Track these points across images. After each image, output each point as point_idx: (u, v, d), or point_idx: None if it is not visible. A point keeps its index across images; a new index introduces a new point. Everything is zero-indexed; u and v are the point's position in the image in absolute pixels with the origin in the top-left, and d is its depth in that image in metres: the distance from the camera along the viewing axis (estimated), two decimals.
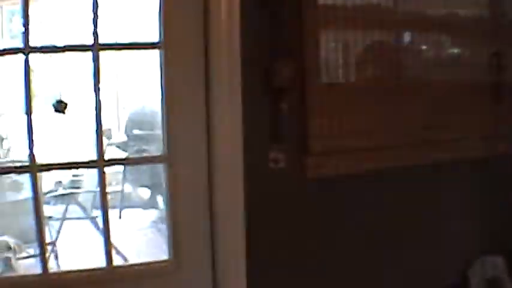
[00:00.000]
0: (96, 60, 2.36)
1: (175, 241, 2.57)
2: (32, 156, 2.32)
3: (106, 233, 2.49)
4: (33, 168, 2.35)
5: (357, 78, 2.80)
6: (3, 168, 2.79)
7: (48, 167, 2.38)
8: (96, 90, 2.36)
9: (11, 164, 5.16)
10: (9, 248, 4.69)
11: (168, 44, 2.42)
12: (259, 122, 2.51)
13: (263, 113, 2.51)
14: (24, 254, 5.09)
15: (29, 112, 2.29)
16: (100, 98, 2.37)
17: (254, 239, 2.55)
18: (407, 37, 2.97)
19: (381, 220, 2.83)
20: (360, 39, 2.78)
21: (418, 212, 2.93)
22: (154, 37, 2.45)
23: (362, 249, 2.81)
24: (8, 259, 4.63)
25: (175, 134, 2.47)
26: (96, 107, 2.39)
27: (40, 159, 2.36)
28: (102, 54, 2.36)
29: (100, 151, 2.39)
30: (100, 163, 2.40)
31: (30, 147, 2.32)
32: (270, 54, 2.50)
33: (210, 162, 2.52)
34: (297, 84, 2.56)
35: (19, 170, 2.64)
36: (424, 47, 3.01)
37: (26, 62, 2.28)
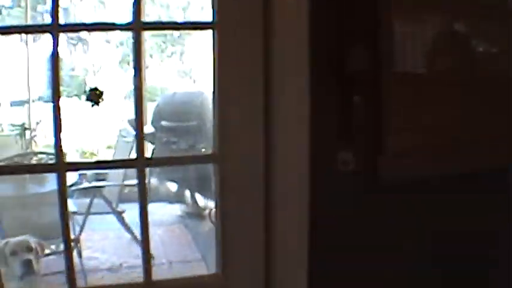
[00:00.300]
0: (137, 41, 1.99)
1: (224, 252, 2.22)
2: (59, 153, 1.96)
3: (145, 245, 2.13)
4: (60, 167, 2.00)
5: (433, 67, 2.43)
6: (28, 166, 2.43)
7: (78, 166, 2.02)
8: (137, 76, 2.00)
9: (35, 159, 4.82)
10: (30, 249, 4.33)
11: (223, 24, 2.05)
12: (327, 116, 2.14)
13: (332, 106, 2.15)
14: (47, 251, 4.76)
15: (56, 100, 1.93)
16: (142, 85, 2.00)
17: (318, 253, 2.21)
18: (485, 26, 2.60)
19: (461, 228, 2.49)
20: (437, 25, 2.42)
21: (498, 218, 2.56)
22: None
23: (440, 261, 2.47)
24: (29, 261, 4.28)
25: (228, 128, 2.11)
26: (135, 95, 2.02)
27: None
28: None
29: (141, 148, 2.02)
30: (141, 162, 2.03)
31: (57, 141, 1.96)
32: (340, 38, 2.15)
33: (269, 163, 2.16)
34: (370, 74, 2.18)
35: (46, 168, 2.28)
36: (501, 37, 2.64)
37: (54, 42, 1.92)
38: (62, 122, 1.95)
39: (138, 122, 2.06)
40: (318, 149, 2.14)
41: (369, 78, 2.20)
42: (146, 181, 5.97)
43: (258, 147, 2.14)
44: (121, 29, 2.09)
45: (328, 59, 2.14)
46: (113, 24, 2.13)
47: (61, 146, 1.96)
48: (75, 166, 2.04)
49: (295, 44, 2.06)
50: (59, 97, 1.89)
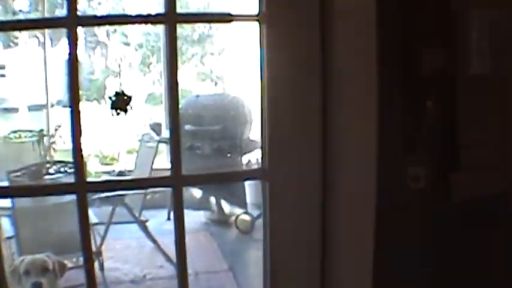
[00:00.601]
0: (171, 35, 1.67)
1: (274, 282, 1.89)
2: (79, 171, 1.64)
3: (181, 271, 1.80)
4: (80, 187, 1.68)
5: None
6: (45, 186, 2.13)
7: (101, 186, 1.70)
8: (171, 74, 1.68)
9: (53, 168, 4.51)
10: (45, 270, 3.98)
11: (272, 15, 1.73)
12: (396, 125, 1.81)
13: (402, 114, 1.82)
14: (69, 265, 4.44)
15: (74, 105, 1.61)
16: (177, 86, 1.68)
17: (383, 280, 1.89)
18: None
19: None
20: None
21: None
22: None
23: None
24: (39, 284, 3.92)
25: (279, 140, 1.79)
26: (170, 96, 1.70)
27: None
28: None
29: (177, 163, 1.69)
30: (178, 180, 1.70)
31: (76, 157, 1.64)
32: (411, 36, 1.83)
33: (327, 180, 1.83)
34: (444, 76, 1.88)
35: (64, 189, 1.96)
36: None
37: (71, 38, 1.60)
38: (81, 131, 1.64)
39: (174, 130, 1.73)
40: (384, 165, 1.81)
41: (443, 81, 1.89)
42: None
43: (314, 161, 1.82)
44: (151, 22, 1.76)
45: (397, 60, 1.82)
46: (141, 15, 1.78)
47: (82, 163, 1.64)
48: (98, 186, 1.71)
49: (361, 42, 1.74)
50: (78, 103, 1.57)
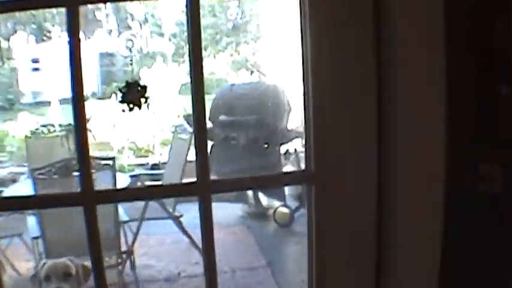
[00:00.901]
0: (193, 6, 1.40)
1: None
2: (86, 180, 1.38)
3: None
4: (88, 199, 1.42)
5: None
6: (50, 197, 1.89)
7: (112, 196, 1.45)
8: (196, 57, 1.41)
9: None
10: (67, 275, 3.75)
11: None
12: (463, 115, 1.52)
13: (470, 101, 1.53)
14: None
15: (79, 102, 1.36)
16: (202, 73, 1.41)
17: None
18: None
19: None
20: None
21: None
22: None
23: None
24: None
25: (327, 138, 1.52)
26: (194, 85, 1.43)
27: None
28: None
29: (203, 167, 1.42)
30: (204, 187, 1.43)
31: (83, 159, 1.38)
32: (483, 8, 1.54)
33: (384, 182, 1.55)
34: None
35: (71, 200, 1.67)
36: None
37: (71, 19, 1.34)
38: (87, 131, 1.39)
39: (198, 126, 1.46)
40: (450, 162, 1.51)
41: None
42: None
43: (368, 162, 1.55)
44: None
45: (466, 36, 1.53)
46: None
47: (89, 170, 1.38)
48: (107, 198, 1.44)
49: (424, 17, 1.45)
50: (82, 97, 1.31)
